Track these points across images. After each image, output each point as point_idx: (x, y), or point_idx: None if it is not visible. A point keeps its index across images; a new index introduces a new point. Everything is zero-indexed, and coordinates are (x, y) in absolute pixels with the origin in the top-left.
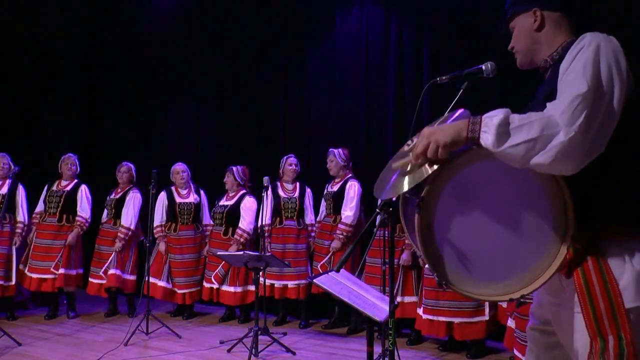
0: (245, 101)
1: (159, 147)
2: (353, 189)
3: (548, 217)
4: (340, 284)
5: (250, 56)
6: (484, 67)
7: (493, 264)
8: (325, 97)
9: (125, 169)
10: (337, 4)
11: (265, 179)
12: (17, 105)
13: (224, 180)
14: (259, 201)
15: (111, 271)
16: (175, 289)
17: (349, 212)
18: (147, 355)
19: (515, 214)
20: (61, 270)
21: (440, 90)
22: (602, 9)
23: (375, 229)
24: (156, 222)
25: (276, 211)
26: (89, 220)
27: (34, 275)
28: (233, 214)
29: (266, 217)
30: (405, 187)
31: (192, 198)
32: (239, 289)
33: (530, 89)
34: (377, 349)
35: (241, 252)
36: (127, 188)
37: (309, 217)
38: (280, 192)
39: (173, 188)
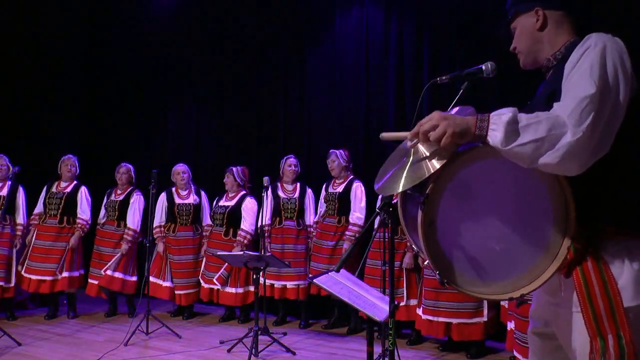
0: (245, 101)
1: (159, 147)
2: (360, 189)
3: (549, 217)
4: (340, 284)
5: (250, 56)
6: (484, 67)
7: (494, 262)
8: (325, 97)
9: (125, 170)
10: (337, 4)
11: (265, 179)
12: (17, 105)
13: (224, 180)
14: (259, 202)
15: (109, 272)
16: (175, 290)
17: (359, 213)
18: (147, 355)
19: (516, 214)
20: (65, 274)
21: (440, 90)
22: (602, 9)
23: (374, 230)
24: (156, 223)
25: (276, 212)
26: (89, 222)
27: (33, 277)
28: (234, 215)
29: (266, 218)
30: (408, 185)
31: (192, 199)
32: (240, 290)
33: (530, 89)
34: (377, 349)
35: (241, 252)
36: (129, 189)
37: (309, 218)
38: (280, 193)
39: (174, 189)
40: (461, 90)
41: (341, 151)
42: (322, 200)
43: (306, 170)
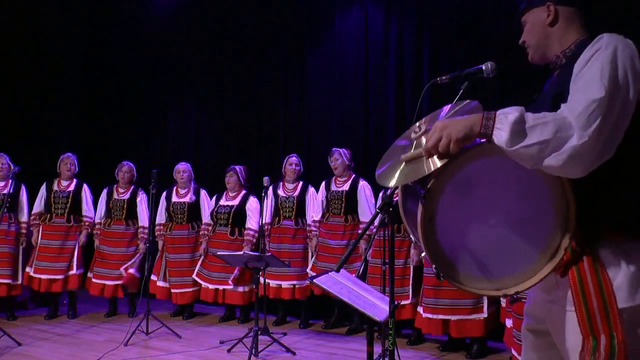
0: (245, 101)
1: (159, 147)
2: (368, 188)
3: (549, 217)
4: (340, 284)
5: (250, 56)
6: (484, 67)
7: (491, 259)
8: (325, 97)
9: (127, 169)
10: (337, 4)
11: (265, 179)
12: (17, 105)
13: (227, 180)
14: (260, 201)
15: (131, 270)
16: (171, 289)
17: (369, 212)
18: (147, 355)
19: (516, 212)
20: (77, 272)
21: (440, 90)
22: (602, 9)
23: (375, 230)
24: (157, 221)
25: (276, 211)
26: (94, 220)
27: (43, 277)
28: (239, 214)
29: (266, 217)
30: (405, 180)
31: (188, 198)
32: (246, 289)
33: (530, 89)
34: (377, 349)
35: (241, 252)
36: (131, 188)
37: (311, 217)
38: (280, 192)
39: (175, 187)
40: (461, 90)
41: (344, 150)
42: (322, 199)
43: (306, 170)
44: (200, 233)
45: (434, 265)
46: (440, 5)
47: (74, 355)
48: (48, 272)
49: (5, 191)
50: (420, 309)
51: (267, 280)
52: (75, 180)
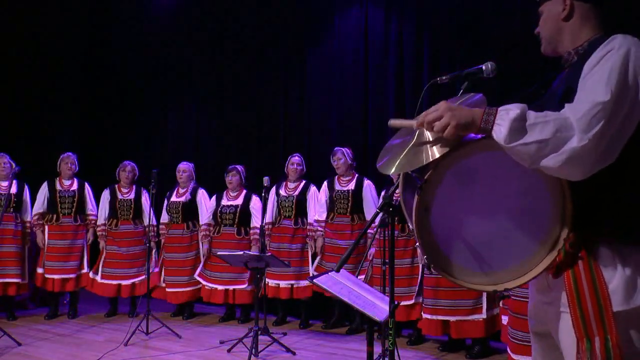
0: (245, 101)
1: (159, 147)
2: (372, 187)
3: (546, 217)
4: (340, 284)
5: (250, 56)
6: (484, 67)
7: (487, 252)
8: (325, 97)
9: (130, 169)
10: (337, 4)
11: (265, 179)
12: (17, 105)
13: (229, 179)
14: (261, 200)
15: (157, 270)
16: (165, 288)
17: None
18: (147, 355)
19: (513, 209)
20: (89, 270)
21: (440, 90)
22: (620, 8)
23: (375, 230)
24: (162, 220)
25: (278, 210)
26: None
27: (57, 277)
28: (244, 214)
29: (267, 217)
30: (405, 168)
31: (183, 197)
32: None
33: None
34: (377, 349)
35: (241, 252)
36: (134, 188)
37: (312, 216)
38: (282, 191)
39: (177, 187)
40: (461, 90)
41: (346, 149)
42: (325, 199)
43: (306, 170)
44: (201, 234)
45: (425, 256)
46: (440, 5)
47: (74, 355)
48: (60, 271)
49: (10, 191)
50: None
51: (266, 280)
52: (76, 180)
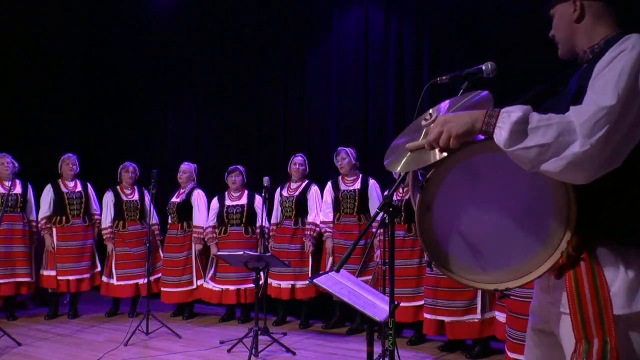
0: (245, 101)
1: (159, 147)
2: (377, 186)
3: (549, 218)
4: (340, 284)
5: (250, 56)
6: (484, 67)
7: (489, 252)
8: (325, 97)
9: (133, 169)
10: (337, 4)
11: (266, 179)
12: (17, 105)
13: (232, 179)
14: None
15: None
16: (160, 287)
17: None
18: (147, 355)
19: (516, 210)
20: (97, 269)
21: (440, 90)
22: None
23: (376, 230)
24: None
25: (280, 210)
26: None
27: (72, 277)
28: (251, 213)
29: (265, 218)
30: (411, 167)
31: (179, 198)
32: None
33: (530, 89)
34: (377, 349)
35: (241, 252)
36: (136, 189)
37: (314, 217)
38: (284, 192)
39: (179, 187)
40: (461, 90)
41: (350, 149)
42: (331, 200)
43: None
44: (208, 237)
45: (426, 254)
46: (440, 5)
47: (74, 355)
48: (75, 272)
49: (14, 190)
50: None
51: (270, 280)
52: (79, 180)
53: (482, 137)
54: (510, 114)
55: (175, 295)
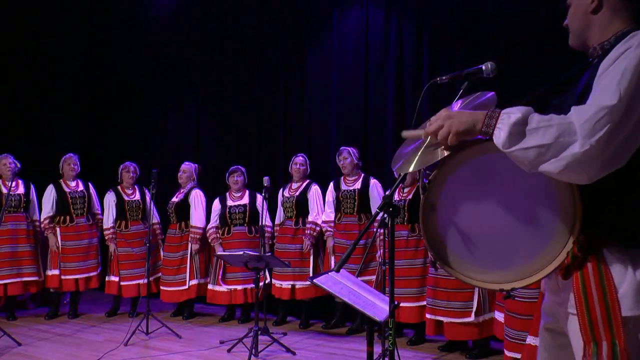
0: (245, 101)
1: (159, 147)
2: (379, 186)
3: (555, 219)
4: (340, 284)
5: (250, 56)
6: (484, 67)
7: (492, 252)
8: (325, 97)
9: (133, 169)
10: (337, 4)
11: (266, 179)
12: (17, 105)
13: (234, 179)
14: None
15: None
16: (160, 286)
17: None
18: (147, 355)
19: (521, 209)
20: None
21: (440, 90)
22: None
23: (376, 230)
24: None
25: (282, 211)
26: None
27: (80, 276)
28: (253, 213)
29: (266, 218)
30: (419, 166)
31: (178, 198)
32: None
33: (530, 89)
34: (377, 349)
35: (241, 252)
36: (137, 189)
37: (314, 216)
38: (285, 192)
39: (180, 187)
40: (461, 90)
41: (352, 148)
42: (332, 199)
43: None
44: (211, 238)
45: (430, 253)
46: (440, 5)
47: (74, 355)
48: (82, 271)
49: (17, 191)
50: None
51: (272, 280)
52: (80, 180)
53: (482, 137)
54: (510, 115)
55: (171, 295)
